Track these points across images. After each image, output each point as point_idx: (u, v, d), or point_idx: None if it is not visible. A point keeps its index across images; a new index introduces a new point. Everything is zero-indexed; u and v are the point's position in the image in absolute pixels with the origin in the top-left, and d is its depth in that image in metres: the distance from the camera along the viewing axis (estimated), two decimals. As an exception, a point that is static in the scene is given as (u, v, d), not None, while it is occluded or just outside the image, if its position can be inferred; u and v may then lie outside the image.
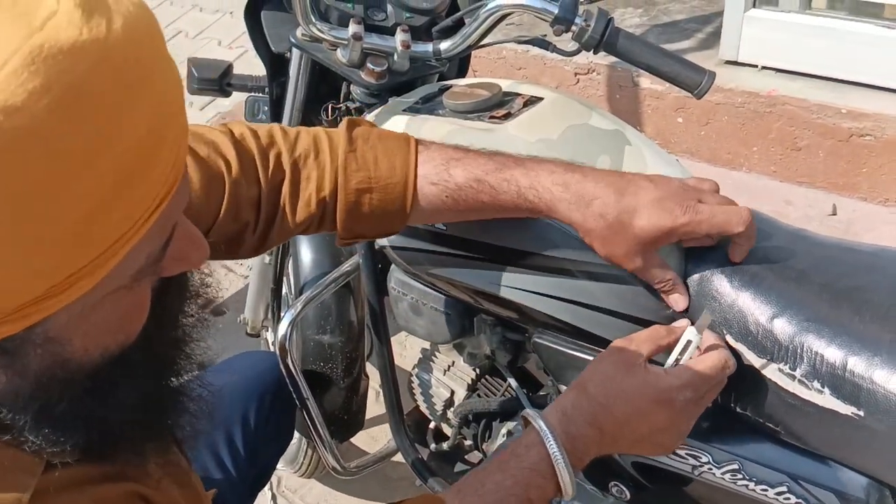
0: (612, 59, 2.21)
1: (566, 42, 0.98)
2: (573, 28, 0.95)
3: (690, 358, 0.73)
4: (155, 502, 0.56)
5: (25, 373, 0.46)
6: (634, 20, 2.45)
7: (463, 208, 0.79)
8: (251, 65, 1.43)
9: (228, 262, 2.49)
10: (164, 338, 0.55)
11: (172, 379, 0.57)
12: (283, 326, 1.16)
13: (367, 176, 0.78)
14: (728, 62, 2.06)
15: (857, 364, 0.69)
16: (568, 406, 0.73)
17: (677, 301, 0.77)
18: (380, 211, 0.80)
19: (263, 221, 0.79)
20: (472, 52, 1.15)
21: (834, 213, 1.88)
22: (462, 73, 1.22)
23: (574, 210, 0.75)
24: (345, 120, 0.81)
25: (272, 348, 1.61)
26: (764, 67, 2.01)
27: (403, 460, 1.33)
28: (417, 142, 0.80)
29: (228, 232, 0.77)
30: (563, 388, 0.94)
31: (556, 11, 0.95)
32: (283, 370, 1.16)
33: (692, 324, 0.74)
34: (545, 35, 1.11)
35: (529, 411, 0.74)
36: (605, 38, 0.95)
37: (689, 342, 0.72)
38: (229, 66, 1.25)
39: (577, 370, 0.90)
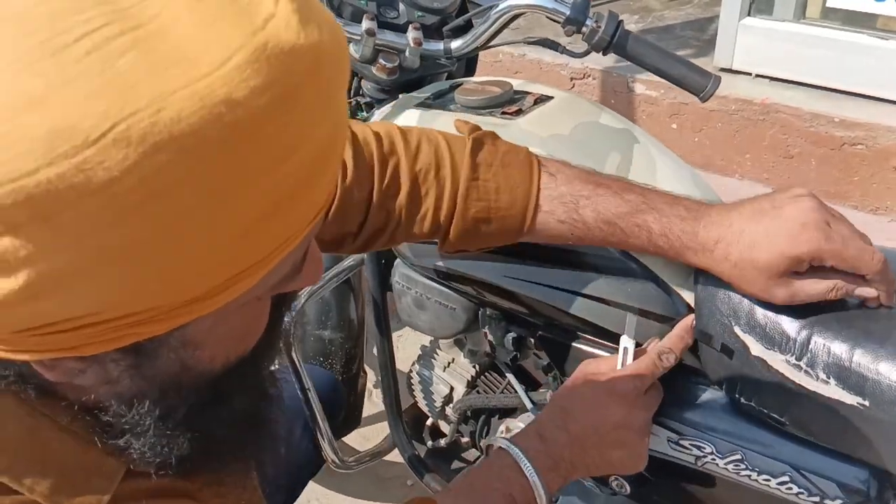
0: (608, 64, 2.23)
1: (574, 43, 1.00)
2: (584, 29, 0.97)
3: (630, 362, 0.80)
4: None
5: (153, 377, 0.46)
6: (630, 26, 2.48)
7: (588, 243, 0.79)
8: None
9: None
10: (270, 353, 0.55)
11: (266, 396, 0.57)
12: (286, 317, 1.17)
13: (486, 206, 0.77)
14: (722, 69, 2.10)
15: (864, 356, 0.71)
16: (542, 419, 0.80)
17: (883, 295, 0.72)
18: (493, 236, 0.80)
19: (371, 227, 0.78)
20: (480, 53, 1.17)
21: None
22: (470, 72, 1.23)
23: (701, 258, 0.74)
24: (470, 138, 0.79)
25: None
26: (758, 76, 2.04)
27: (397, 459, 1.34)
28: (540, 166, 0.78)
29: (331, 233, 0.77)
30: (568, 381, 0.95)
31: (567, 12, 0.97)
32: (287, 362, 1.16)
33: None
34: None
35: (500, 441, 0.79)
36: (615, 40, 0.97)
37: (626, 349, 0.79)
38: None
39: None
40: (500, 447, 0.78)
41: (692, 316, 0.81)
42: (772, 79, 2.02)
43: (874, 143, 1.83)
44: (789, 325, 0.75)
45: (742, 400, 0.80)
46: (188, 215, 0.36)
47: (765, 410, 0.79)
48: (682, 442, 0.84)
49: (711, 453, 0.83)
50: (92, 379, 0.45)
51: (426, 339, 1.27)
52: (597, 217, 0.76)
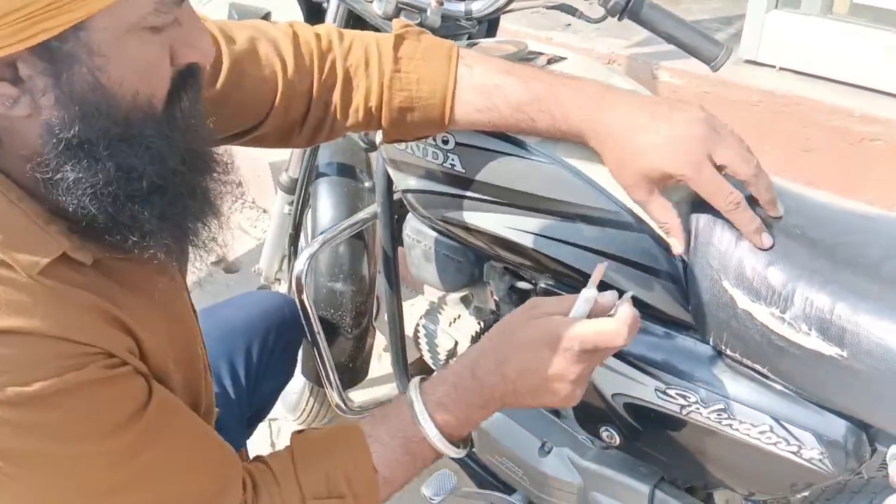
0: (633, 50, 2.25)
1: (593, 8, 1.03)
2: (600, -7, 1.00)
3: (587, 315, 0.76)
4: (135, 333, 0.65)
5: (72, 96, 0.55)
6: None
7: (502, 127, 0.87)
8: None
9: (243, 224, 2.55)
10: (183, 126, 0.63)
11: (200, 182, 0.67)
12: (301, 262, 1.21)
13: (409, 96, 0.86)
14: (747, 61, 2.10)
15: (844, 309, 0.73)
16: (473, 356, 0.80)
17: (674, 245, 0.82)
18: (420, 124, 0.88)
19: (314, 119, 0.88)
20: (501, 17, 1.20)
21: (839, 215, 1.91)
22: (492, 33, 1.26)
23: (594, 144, 0.83)
24: (394, 34, 0.88)
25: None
26: (782, 69, 2.05)
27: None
28: (459, 58, 0.87)
29: (280, 125, 0.87)
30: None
31: (585, -24, 1.00)
32: (298, 305, 1.21)
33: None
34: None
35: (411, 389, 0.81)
36: (630, 6, 1.00)
37: (586, 298, 0.76)
38: (268, 14, 1.30)
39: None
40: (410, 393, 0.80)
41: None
42: (795, 72, 2.02)
43: (893, 140, 1.83)
44: (776, 279, 0.78)
45: (727, 351, 0.83)
46: None
47: (748, 362, 0.82)
48: (668, 391, 0.88)
49: (696, 402, 0.86)
50: (25, 108, 0.55)
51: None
52: (507, 104, 0.84)
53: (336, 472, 0.76)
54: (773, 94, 1.97)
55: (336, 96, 0.87)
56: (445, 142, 0.95)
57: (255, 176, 2.51)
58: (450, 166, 0.96)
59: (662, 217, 0.81)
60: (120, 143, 0.58)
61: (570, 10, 1.11)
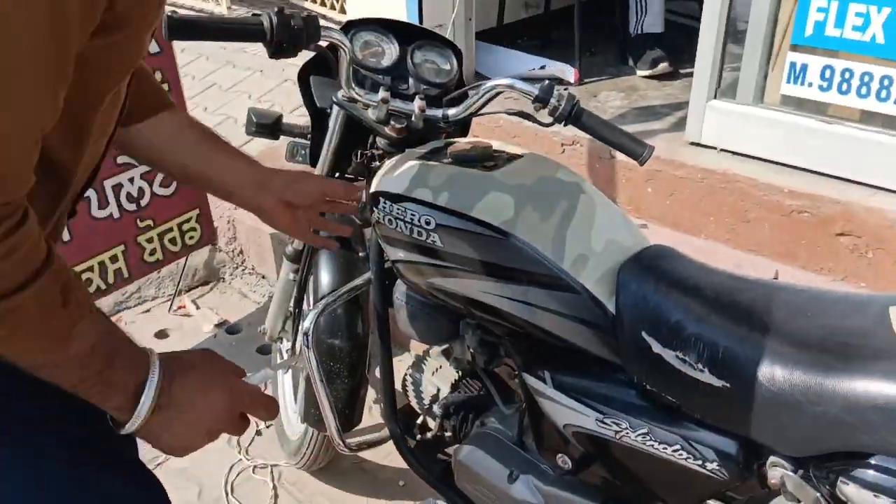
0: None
1: (542, 115, 1.30)
2: (549, 106, 1.26)
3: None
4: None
5: None
6: (616, 102, 2.80)
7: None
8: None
9: (243, 289, 2.77)
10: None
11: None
12: (309, 320, 1.45)
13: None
14: (692, 143, 2.40)
15: (727, 350, 0.97)
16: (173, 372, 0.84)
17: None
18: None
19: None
20: (473, 119, 1.46)
21: (776, 279, 2.17)
22: (464, 133, 1.53)
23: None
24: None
25: (284, 356, 1.90)
26: (722, 150, 2.34)
27: (390, 464, 1.56)
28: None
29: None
30: (527, 378, 1.21)
31: (536, 92, 1.26)
32: (306, 357, 1.43)
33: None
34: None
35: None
36: (572, 114, 1.26)
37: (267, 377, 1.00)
38: (280, 116, 1.57)
39: (542, 362, 1.18)
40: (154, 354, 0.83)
41: None
42: (733, 153, 2.31)
43: (818, 212, 2.10)
44: (680, 327, 1.02)
45: (648, 387, 1.07)
46: None
47: (663, 394, 1.05)
48: (605, 420, 1.11)
49: (626, 428, 1.09)
50: None
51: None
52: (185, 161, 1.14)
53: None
54: (714, 172, 2.26)
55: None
56: (428, 223, 1.20)
57: (257, 245, 2.75)
58: (431, 242, 1.21)
59: None
60: None
61: (527, 116, 1.37)
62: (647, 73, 3.00)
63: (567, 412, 1.15)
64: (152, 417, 0.81)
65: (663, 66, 2.96)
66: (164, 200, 2.46)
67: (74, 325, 0.74)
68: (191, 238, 2.56)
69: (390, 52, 1.41)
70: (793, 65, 2.20)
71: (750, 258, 2.27)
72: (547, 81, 1.29)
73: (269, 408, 0.93)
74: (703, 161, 2.30)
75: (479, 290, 1.19)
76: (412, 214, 1.21)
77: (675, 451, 1.05)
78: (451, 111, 1.38)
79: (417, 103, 1.36)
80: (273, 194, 1.19)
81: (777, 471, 0.97)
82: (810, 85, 2.18)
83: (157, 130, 1.10)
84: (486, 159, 1.26)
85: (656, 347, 1.04)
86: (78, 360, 0.76)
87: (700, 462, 1.04)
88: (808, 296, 1.05)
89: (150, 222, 2.44)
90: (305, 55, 1.34)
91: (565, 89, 1.29)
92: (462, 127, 1.52)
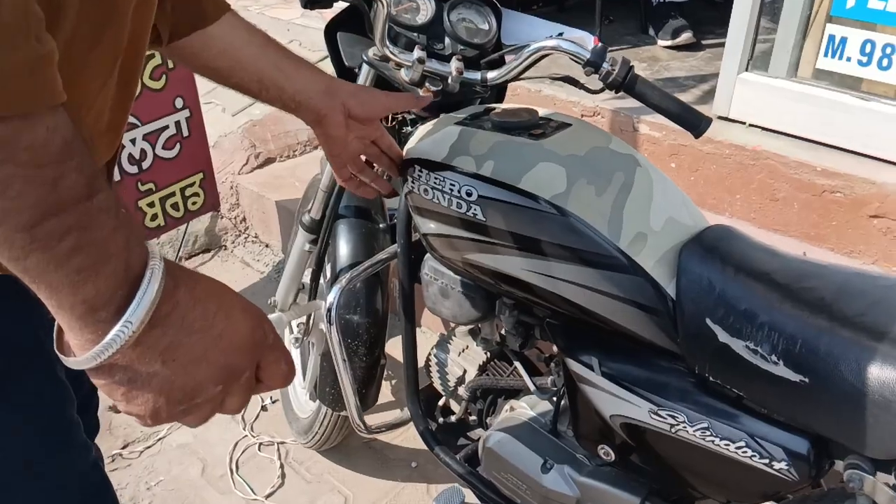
0: (616, 104, 2.44)
1: (592, 82, 1.20)
2: (601, 70, 1.17)
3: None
4: None
5: None
6: (637, 72, 2.70)
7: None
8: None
9: (246, 258, 2.67)
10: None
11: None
12: (333, 295, 1.36)
13: None
14: (720, 117, 2.30)
15: (805, 342, 0.89)
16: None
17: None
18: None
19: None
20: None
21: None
22: (500, 99, 1.43)
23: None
24: None
25: (294, 329, 1.81)
26: (751, 125, 2.25)
27: (402, 444, 1.50)
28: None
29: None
30: (571, 363, 1.13)
31: (588, 56, 1.16)
32: (327, 333, 1.35)
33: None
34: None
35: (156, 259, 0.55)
36: (626, 81, 1.16)
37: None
38: None
39: (588, 347, 1.10)
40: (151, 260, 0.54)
41: None
42: (763, 128, 2.22)
43: (851, 192, 2.02)
44: (749, 317, 0.94)
45: (710, 378, 0.99)
46: None
47: (728, 386, 0.97)
48: (660, 412, 1.03)
49: (684, 422, 1.01)
50: None
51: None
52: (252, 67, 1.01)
53: None
54: (742, 148, 2.16)
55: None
56: (469, 194, 1.11)
57: (261, 212, 2.65)
58: (472, 215, 1.11)
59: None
60: None
61: (574, 82, 1.27)
62: (668, 43, 2.89)
63: (615, 401, 1.07)
64: (144, 336, 0.52)
65: (686, 37, 2.85)
66: (166, 163, 2.34)
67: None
68: (194, 204, 2.46)
69: (426, 8, 1.30)
70: (831, 37, 2.10)
71: (776, 238, 2.19)
72: (599, 43, 1.20)
73: (290, 365, 0.65)
74: (732, 136, 2.21)
75: (522, 269, 1.11)
76: (451, 184, 1.12)
77: (738, 447, 0.98)
78: (490, 74, 1.28)
79: (455, 65, 1.26)
80: (339, 100, 1.08)
81: (854, 473, 0.90)
82: (848, 59, 2.09)
83: (228, 36, 0.99)
84: (532, 127, 1.16)
85: (723, 336, 0.96)
86: (56, 165, 0.48)
87: (767, 461, 0.96)
88: (883, 284, 0.97)
89: (151, 185, 2.33)
90: (339, 8, 1.23)
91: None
92: (498, 92, 1.42)
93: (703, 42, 2.91)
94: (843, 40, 2.07)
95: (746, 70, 2.25)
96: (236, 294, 0.61)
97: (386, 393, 2.01)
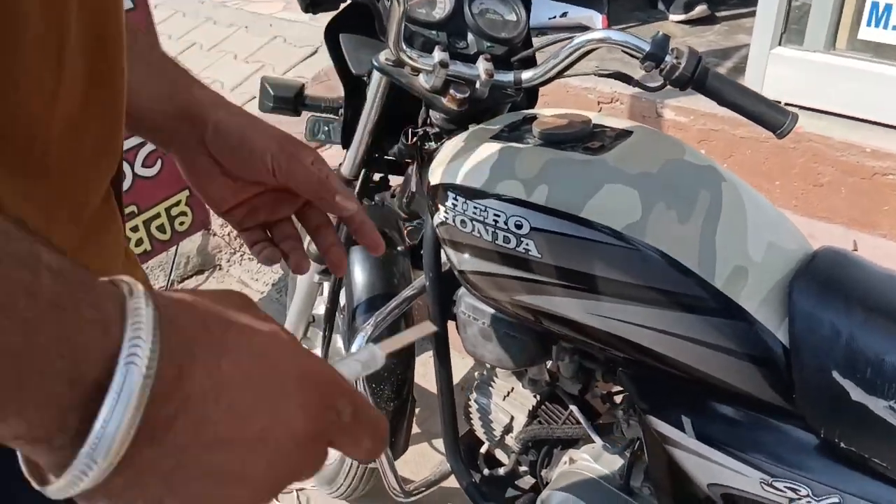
0: (636, 89, 2.25)
1: (651, 77, 1.01)
2: (663, 65, 0.97)
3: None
4: None
5: None
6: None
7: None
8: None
9: (244, 277, 2.47)
10: None
11: None
12: (359, 342, 1.17)
13: None
14: (752, 97, 2.11)
15: (974, 404, 0.71)
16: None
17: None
18: None
19: None
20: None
21: (855, 250, 1.92)
22: (532, 103, 1.23)
23: None
24: None
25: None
26: (788, 104, 2.05)
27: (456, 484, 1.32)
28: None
29: None
30: (656, 423, 0.94)
31: (647, 48, 0.97)
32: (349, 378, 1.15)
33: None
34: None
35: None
36: (696, 76, 0.97)
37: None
38: (302, 87, 1.25)
39: (678, 405, 0.91)
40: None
41: None
42: (802, 108, 2.03)
43: (906, 174, 1.84)
44: (890, 370, 0.75)
45: (842, 444, 0.80)
46: None
47: (866, 455, 0.79)
48: (775, 484, 0.84)
49: (807, 496, 0.82)
50: None
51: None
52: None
53: None
54: (782, 131, 1.98)
55: None
56: (519, 226, 0.91)
57: (255, 228, 2.45)
58: (523, 251, 0.92)
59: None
60: None
61: (627, 79, 1.08)
62: (681, 17, 2.69)
63: (714, 469, 0.89)
64: (130, 460, 0.33)
65: (700, 10, 2.65)
66: (147, 182, 2.13)
67: None
68: (181, 224, 2.25)
69: (443, 0, 1.10)
70: (874, 4, 1.90)
71: (822, 226, 2.01)
72: (660, 34, 1.00)
73: (377, 440, 0.43)
74: (768, 118, 2.02)
75: (588, 313, 0.91)
76: (496, 215, 0.92)
77: (879, 528, 0.79)
78: (525, 74, 1.09)
79: (483, 66, 1.06)
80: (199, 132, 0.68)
81: None
82: (894, 28, 1.90)
83: None
84: (587, 138, 0.97)
85: (856, 394, 0.77)
86: None
87: (918, 544, 0.78)
88: None
89: (133, 208, 2.11)
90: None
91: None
92: (530, 94, 1.22)
93: (718, 14, 2.71)
94: (889, 7, 1.88)
95: (780, 44, 2.05)
96: (291, 346, 0.40)
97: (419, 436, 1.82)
